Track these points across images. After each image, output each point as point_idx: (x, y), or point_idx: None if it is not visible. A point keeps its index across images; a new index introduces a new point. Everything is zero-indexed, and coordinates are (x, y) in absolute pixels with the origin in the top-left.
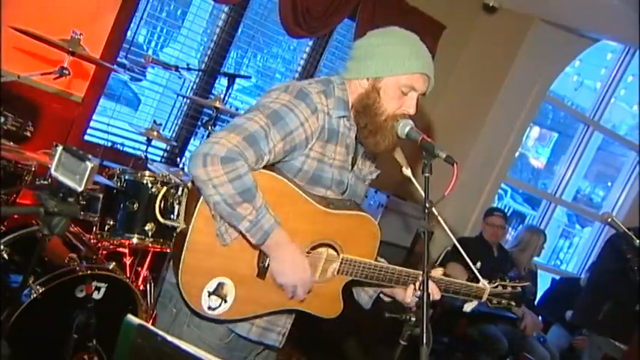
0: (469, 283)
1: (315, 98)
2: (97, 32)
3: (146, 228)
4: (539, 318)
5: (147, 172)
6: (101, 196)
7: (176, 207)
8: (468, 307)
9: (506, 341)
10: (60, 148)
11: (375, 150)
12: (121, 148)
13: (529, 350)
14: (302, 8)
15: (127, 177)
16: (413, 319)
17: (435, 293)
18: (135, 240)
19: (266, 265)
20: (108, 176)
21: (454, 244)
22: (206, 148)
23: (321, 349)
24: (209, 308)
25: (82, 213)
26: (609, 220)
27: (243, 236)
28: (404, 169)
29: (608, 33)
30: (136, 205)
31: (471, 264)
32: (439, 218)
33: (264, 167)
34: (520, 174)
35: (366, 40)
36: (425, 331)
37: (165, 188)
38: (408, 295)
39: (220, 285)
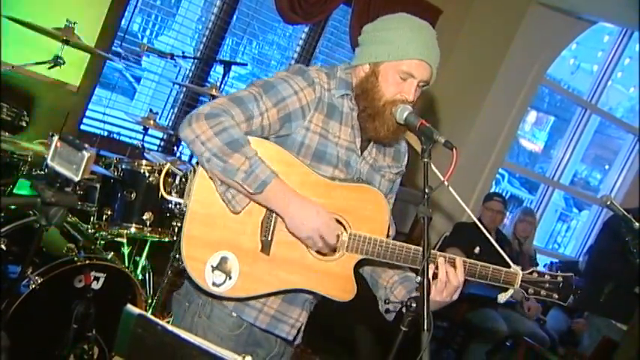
0: (498, 267)
1: (313, 74)
2: (91, 21)
3: (144, 217)
4: None
5: (144, 162)
6: (98, 185)
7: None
8: (503, 298)
9: (506, 325)
10: (56, 138)
11: (376, 136)
12: (118, 138)
13: (528, 334)
14: None
15: (124, 166)
16: (414, 305)
17: (459, 274)
18: (133, 229)
19: (269, 238)
20: (105, 166)
21: (452, 229)
22: (192, 112)
23: (324, 337)
24: (213, 284)
25: (79, 203)
26: (608, 203)
27: (253, 201)
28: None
29: (605, 15)
30: (133, 195)
31: (498, 247)
32: (454, 193)
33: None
34: (517, 158)
35: (371, 25)
36: (426, 316)
37: (169, 164)
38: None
39: (224, 259)
